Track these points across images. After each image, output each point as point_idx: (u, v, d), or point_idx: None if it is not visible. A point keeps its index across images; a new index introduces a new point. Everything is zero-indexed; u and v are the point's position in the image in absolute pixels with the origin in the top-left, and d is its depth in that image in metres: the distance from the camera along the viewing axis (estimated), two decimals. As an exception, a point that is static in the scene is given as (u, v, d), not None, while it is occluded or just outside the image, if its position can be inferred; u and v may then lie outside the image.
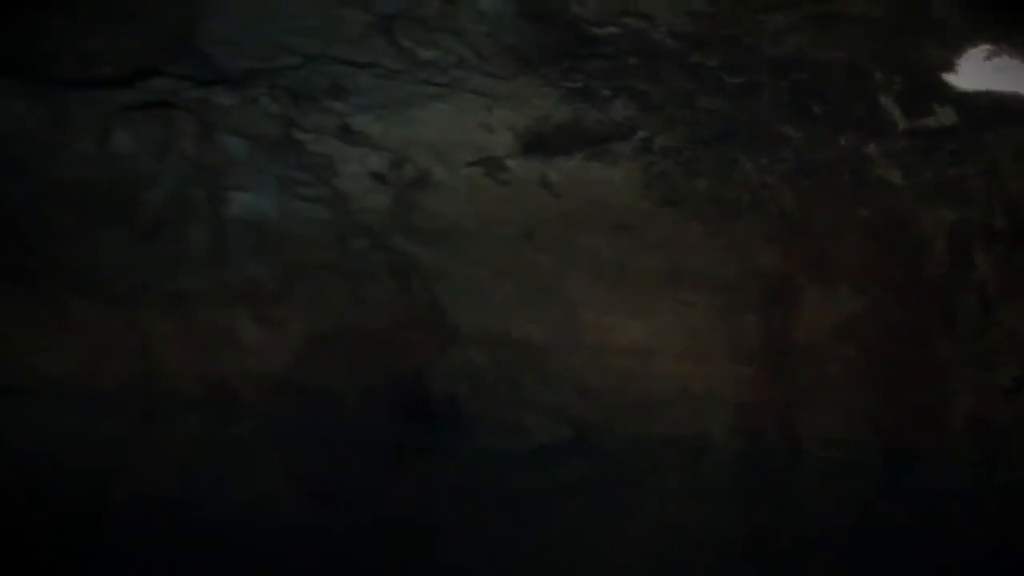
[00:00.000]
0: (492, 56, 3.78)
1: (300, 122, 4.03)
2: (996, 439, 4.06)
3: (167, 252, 4.32)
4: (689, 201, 4.08)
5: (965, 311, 4.04)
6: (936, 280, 4.06)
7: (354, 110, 3.96)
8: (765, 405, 4.21)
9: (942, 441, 4.10)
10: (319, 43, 3.79)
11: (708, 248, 4.10)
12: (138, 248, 4.31)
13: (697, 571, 3.63)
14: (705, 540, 3.87)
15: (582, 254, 4.13)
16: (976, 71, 3.60)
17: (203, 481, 4.15)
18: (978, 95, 3.70)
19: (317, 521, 3.88)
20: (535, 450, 4.30)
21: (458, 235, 4.12)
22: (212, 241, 4.28)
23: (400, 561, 3.62)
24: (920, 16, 3.43)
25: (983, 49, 3.50)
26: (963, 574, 3.59)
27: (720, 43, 3.77)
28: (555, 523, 3.96)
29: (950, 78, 3.66)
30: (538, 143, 3.98)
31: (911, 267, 4.07)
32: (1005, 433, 4.06)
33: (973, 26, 3.43)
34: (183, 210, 4.26)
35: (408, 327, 4.25)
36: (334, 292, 4.27)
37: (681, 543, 3.82)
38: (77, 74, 3.99)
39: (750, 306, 4.14)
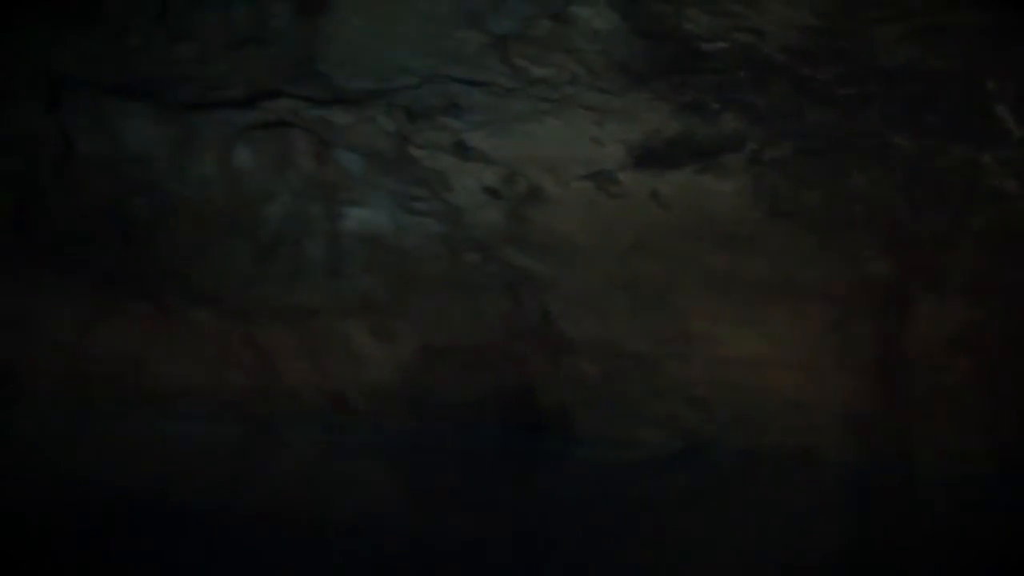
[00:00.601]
0: (604, 72, 3.99)
1: (415, 139, 4.27)
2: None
3: (285, 266, 4.58)
4: (799, 212, 4.21)
5: (1085, 321, 4.11)
6: (1054, 290, 4.13)
7: (468, 127, 4.19)
8: (878, 416, 4.30)
9: (1061, 454, 4.15)
10: (436, 64, 4.05)
11: (819, 259, 4.22)
12: (257, 262, 4.57)
13: (808, 583, 3.74)
14: (816, 552, 3.95)
15: (692, 266, 4.28)
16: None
17: (320, 489, 4.41)
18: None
19: (430, 529, 4.08)
20: (645, 460, 4.45)
21: (570, 248, 4.31)
22: (328, 255, 4.53)
23: (511, 570, 3.81)
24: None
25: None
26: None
27: (831, 56, 3.94)
28: (665, 533, 4.11)
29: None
30: (649, 156, 4.17)
31: (1028, 277, 4.15)
32: None
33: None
34: (301, 225, 4.52)
35: (519, 339, 4.44)
36: (446, 304, 4.48)
37: (792, 555, 3.91)
38: (203, 97, 4.32)
39: (863, 316, 4.24)
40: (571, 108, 4.07)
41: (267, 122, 4.40)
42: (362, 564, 3.81)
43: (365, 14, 3.95)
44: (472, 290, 4.47)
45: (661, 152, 4.15)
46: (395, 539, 4.00)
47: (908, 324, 4.24)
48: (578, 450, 4.50)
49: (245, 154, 4.44)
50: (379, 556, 3.86)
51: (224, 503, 4.19)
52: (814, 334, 4.31)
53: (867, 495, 4.38)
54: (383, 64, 4.08)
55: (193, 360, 4.72)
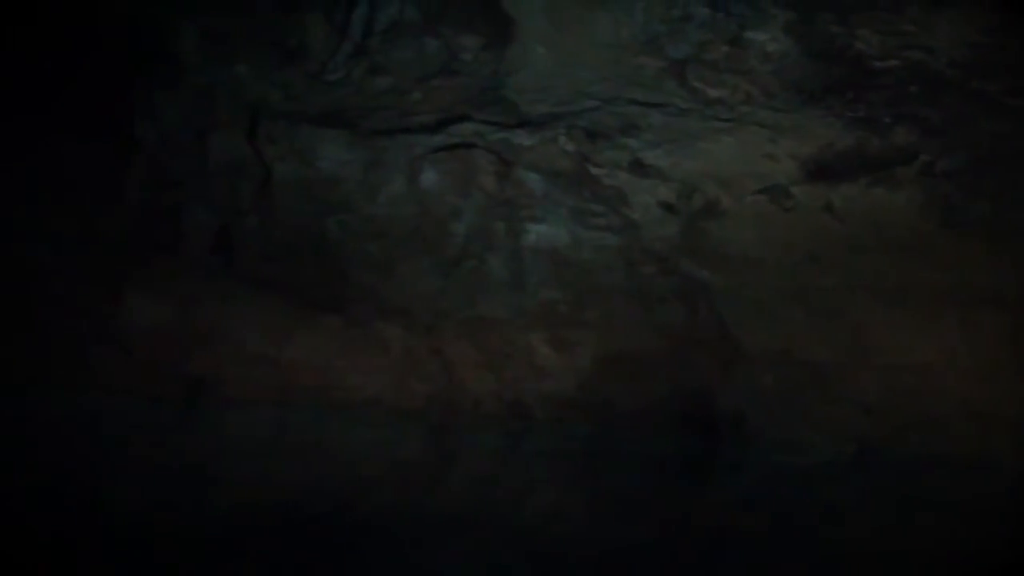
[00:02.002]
0: (777, 92, 4.47)
1: (594, 158, 4.81)
2: None
3: (468, 280, 5.15)
4: (971, 222, 4.58)
5: None
6: None
7: (646, 145, 4.71)
8: (1055, 423, 4.63)
9: None
10: (615, 87, 4.57)
11: (992, 268, 4.58)
12: (442, 277, 5.16)
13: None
14: (987, 559, 4.19)
15: (866, 276, 4.70)
16: None
17: (503, 493, 4.88)
18: None
19: (608, 533, 4.50)
20: (819, 465, 4.85)
21: (744, 260, 4.77)
22: (510, 269, 5.09)
23: (687, 573, 4.22)
24: None
25: None
26: None
27: (1001, 69, 4.32)
28: (840, 535, 4.47)
29: None
30: (822, 170, 4.61)
31: None
32: None
33: None
34: (484, 241, 5.09)
35: (695, 348, 4.91)
36: (623, 315, 4.99)
37: (962, 561, 4.18)
38: (394, 124, 4.94)
39: (1036, 323, 4.59)
40: (746, 126, 4.54)
41: (452, 145, 4.98)
42: (545, 564, 4.23)
43: (549, 44, 4.49)
44: (648, 301, 4.97)
45: (834, 166, 4.58)
46: (576, 541, 4.41)
47: (1084, 332, 4.56)
48: (753, 455, 4.92)
49: (432, 175, 5.04)
50: (561, 557, 4.27)
51: (413, 505, 4.65)
52: (987, 342, 4.66)
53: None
54: (565, 89, 4.61)
55: (380, 370, 5.33)
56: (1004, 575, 4.02)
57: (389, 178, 5.07)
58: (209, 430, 5.54)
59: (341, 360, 5.37)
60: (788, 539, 4.42)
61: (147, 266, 5.58)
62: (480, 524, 4.40)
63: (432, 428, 5.31)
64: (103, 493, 4.72)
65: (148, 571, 3.83)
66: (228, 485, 4.76)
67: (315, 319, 5.37)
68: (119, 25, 5.01)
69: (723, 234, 4.76)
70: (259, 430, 5.38)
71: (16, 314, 5.77)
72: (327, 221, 5.20)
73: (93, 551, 3.97)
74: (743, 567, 4.30)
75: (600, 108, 4.64)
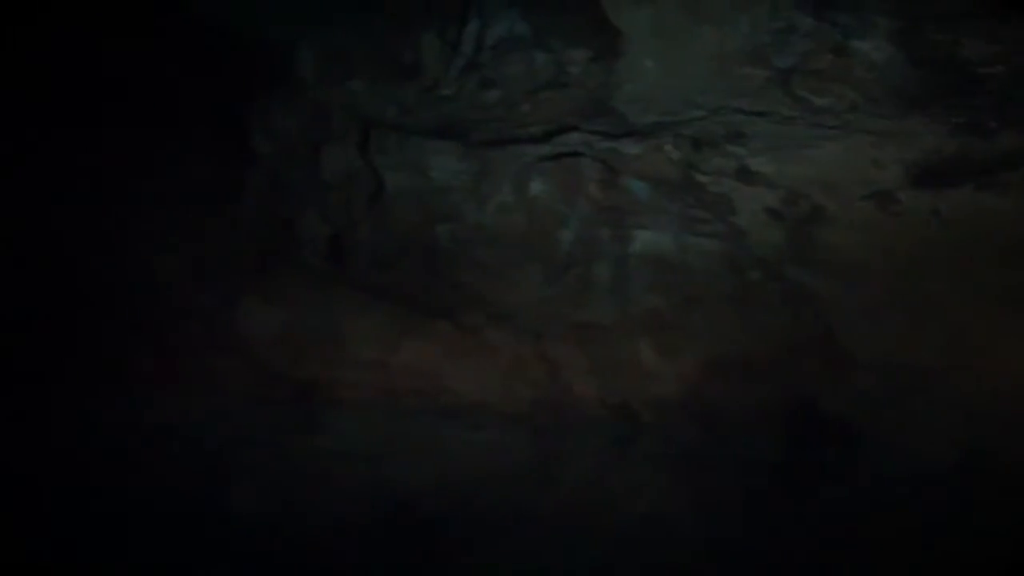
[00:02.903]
0: (882, 99, 4.71)
1: (700, 166, 5.10)
2: None
3: (574, 287, 5.47)
4: (1079, 227, 4.79)
5: None
6: None
7: (751, 153, 4.99)
8: None
9: None
10: (721, 97, 4.86)
11: (1100, 272, 4.78)
12: (549, 283, 5.49)
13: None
14: None
15: (972, 281, 4.90)
16: None
17: (609, 496, 5.18)
18: None
19: (713, 535, 4.77)
20: (927, 472, 5.05)
21: (851, 265, 5.02)
22: (616, 276, 5.40)
23: None
24: None
25: None
26: None
27: (1110, 75, 4.53)
28: (941, 544, 4.67)
29: None
30: (928, 176, 4.84)
31: None
32: None
33: None
34: (590, 248, 5.41)
35: (800, 353, 5.16)
36: (728, 321, 5.26)
37: None
38: (503, 135, 5.30)
39: None
40: (851, 133, 4.79)
41: (560, 154, 5.32)
42: (651, 566, 4.50)
43: (656, 56, 4.80)
44: (754, 307, 5.24)
45: (940, 171, 4.81)
46: (682, 544, 4.69)
47: None
48: (857, 460, 5.13)
49: (539, 184, 5.39)
50: (667, 559, 4.54)
51: (521, 508, 5.00)
52: (1098, 346, 4.85)
53: None
54: (671, 99, 4.92)
55: (488, 374, 5.67)
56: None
57: (498, 187, 5.41)
58: (322, 434, 5.91)
59: (450, 365, 5.72)
60: (893, 544, 4.65)
61: (263, 274, 6.03)
62: (586, 526, 4.74)
63: (539, 432, 5.58)
64: (220, 496, 5.12)
65: (265, 573, 4.17)
66: (341, 488, 5.14)
67: (425, 325, 5.74)
68: (240, 44, 5.46)
69: (829, 240, 5.00)
70: (371, 434, 5.69)
71: (137, 320, 6.28)
72: (437, 229, 5.57)
73: (211, 553, 4.34)
74: (848, 572, 4.54)
75: (706, 117, 4.92)
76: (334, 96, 5.45)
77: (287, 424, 5.97)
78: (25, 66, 5.65)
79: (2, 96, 5.70)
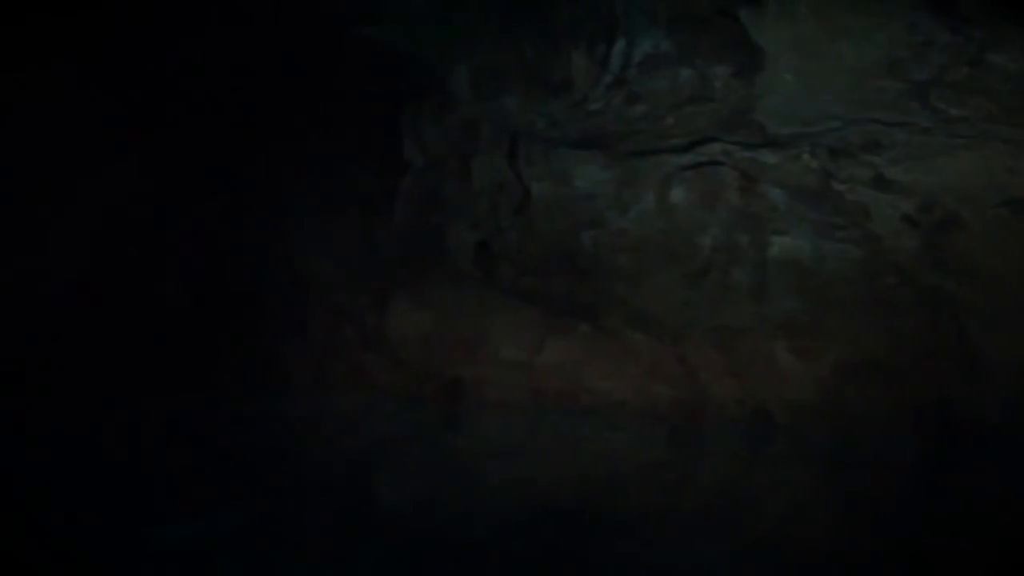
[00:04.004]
0: (1018, 109, 5.06)
1: (838, 174, 5.52)
2: None
3: (713, 291, 5.92)
4: None
5: None
6: None
7: (888, 162, 5.39)
8: None
9: None
10: (858, 108, 5.27)
11: None
12: (689, 288, 5.96)
13: None
14: None
15: (1106, 285, 5.24)
16: None
17: (744, 496, 5.37)
18: None
19: (850, 536, 4.97)
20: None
21: (985, 270, 5.36)
22: (754, 280, 5.84)
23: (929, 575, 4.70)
24: None
25: None
26: None
27: None
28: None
29: None
30: (1063, 184, 5.20)
31: None
32: None
33: None
34: (729, 254, 5.86)
35: (935, 356, 5.52)
36: (864, 325, 5.65)
37: None
38: (647, 146, 5.79)
39: None
40: (987, 142, 5.15)
41: (700, 163, 5.79)
42: (788, 564, 4.69)
43: (796, 71, 5.21)
44: (889, 311, 5.63)
45: (1075, 179, 5.16)
46: (818, 542, 4.84)
47: None
48: (994, 462, 5.38)
49: (680, 191, 5.87)
50: (804, 558, 4.73)
51: (659, 505, 5.16)
52: None
53: None
54: (810, 111, 5.34)
55: (628, 375, 6.17)
56: None
57: (640, 195, 5.92)
58: (467, 431, 6.46)
59: (591, 366, 6.25)
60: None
61: (412, 278, 6.64)
62: (723, 524, 4.92)
63: (676, 431, 6.05)
64: (370, 488, 5.54)
65: (413, 563, 4.49)
66: (486, 483, 5.47)
67: (567, 328, 6.27)
68: (396, 61, 6.06)
69: (964, 246, 5.37)
70: (514, 431, 6.24)
71: (294, 321, 6.94)
72: (581, 236, 6.10)
73: (361, 542, 4.65)
74: (982, 569, 4.76)
75: (843, 128, 5.34)
76: (485, 111, 5.99)
77: (433, 421, 6.55)
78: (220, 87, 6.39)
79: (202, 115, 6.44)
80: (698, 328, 5.95)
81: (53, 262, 6.64)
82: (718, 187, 5.83)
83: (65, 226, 6.63)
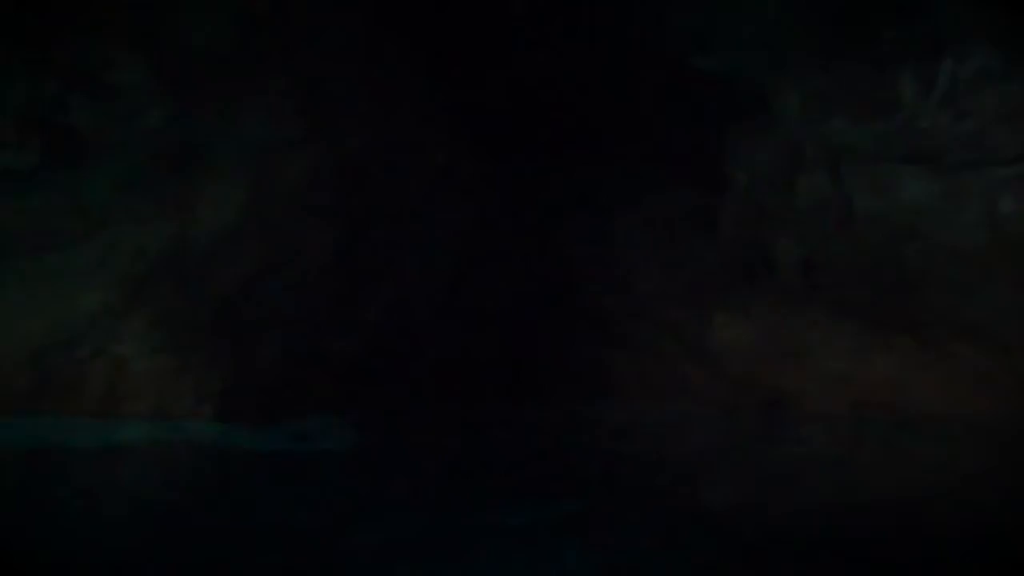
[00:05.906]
0: None
1: None
2: None
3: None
4: None
5: None
6: None
7: None
8: None
9: None
10: None
11: None
12: (1017, 298, 6.32)
13: None
14: None
15: None
16: None
17: None
18: None
19: None
20: None
21: None
22: (1086, 291, 6.18)
23: None
24: None
25: None
26: None
27: None
28: None
29: None
30: None
31: None
32: None
33: None
34: (1060, 264, 6.24)
35: None
36: None
37: None
38: (973, 159, 6.24)
39: None
40: None
41: (1024, 174, 6.22)
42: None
43: None
44: None
45: None
46: None
47: None
48: None
49: (1008, 202, 6.26)
50: None
51: (988, 517, 5.25)
52: None
53: None
54: None
55: (951, 387, 6.57)
56: None
57: (967, 207, 6.36)
58: (788, 440, 6.91)
59: (914, 378, 6.70)
60: None
61: (736, 291, 7.29)
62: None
63: (1004, 445, 6.28)
64: (698, 491, 6.06)
65: (745, 562, 4.63)
66: (809, 490, 5.81)
67: (890, 340, 6.76)
68: (724, 87, 6.78)
69: None
70: (836, 441, 6.66)
71: (622, 334, 7.76)
72: (906, 248, 6.60)
73: (692, 539, 5.09)
74: None
75: None
76: (811, 131, 6.58)
77: (753, 430, 7.10)
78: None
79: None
80: (1032, 339, 6.28)
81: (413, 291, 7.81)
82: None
83: (423, 256, 7.78)
